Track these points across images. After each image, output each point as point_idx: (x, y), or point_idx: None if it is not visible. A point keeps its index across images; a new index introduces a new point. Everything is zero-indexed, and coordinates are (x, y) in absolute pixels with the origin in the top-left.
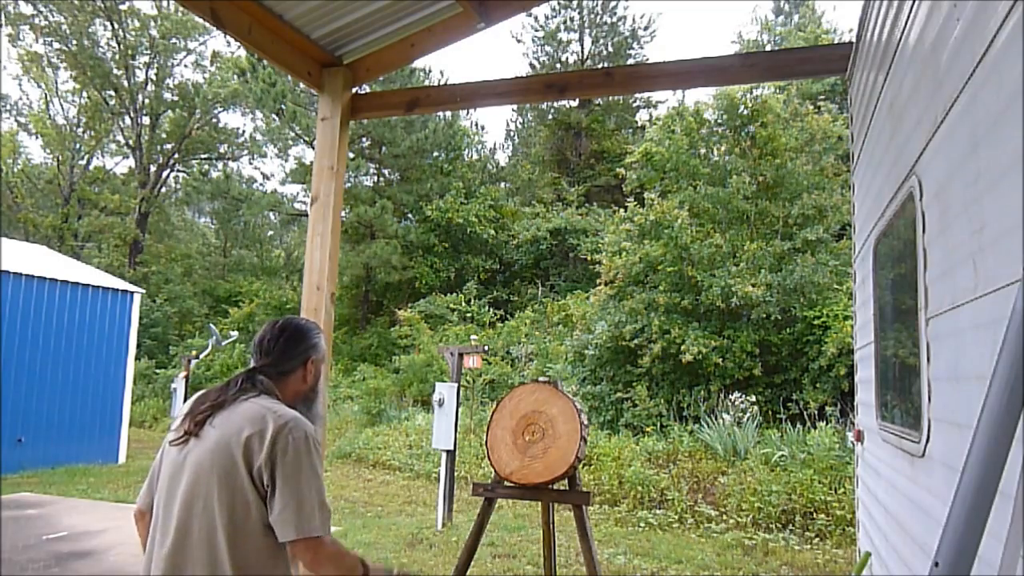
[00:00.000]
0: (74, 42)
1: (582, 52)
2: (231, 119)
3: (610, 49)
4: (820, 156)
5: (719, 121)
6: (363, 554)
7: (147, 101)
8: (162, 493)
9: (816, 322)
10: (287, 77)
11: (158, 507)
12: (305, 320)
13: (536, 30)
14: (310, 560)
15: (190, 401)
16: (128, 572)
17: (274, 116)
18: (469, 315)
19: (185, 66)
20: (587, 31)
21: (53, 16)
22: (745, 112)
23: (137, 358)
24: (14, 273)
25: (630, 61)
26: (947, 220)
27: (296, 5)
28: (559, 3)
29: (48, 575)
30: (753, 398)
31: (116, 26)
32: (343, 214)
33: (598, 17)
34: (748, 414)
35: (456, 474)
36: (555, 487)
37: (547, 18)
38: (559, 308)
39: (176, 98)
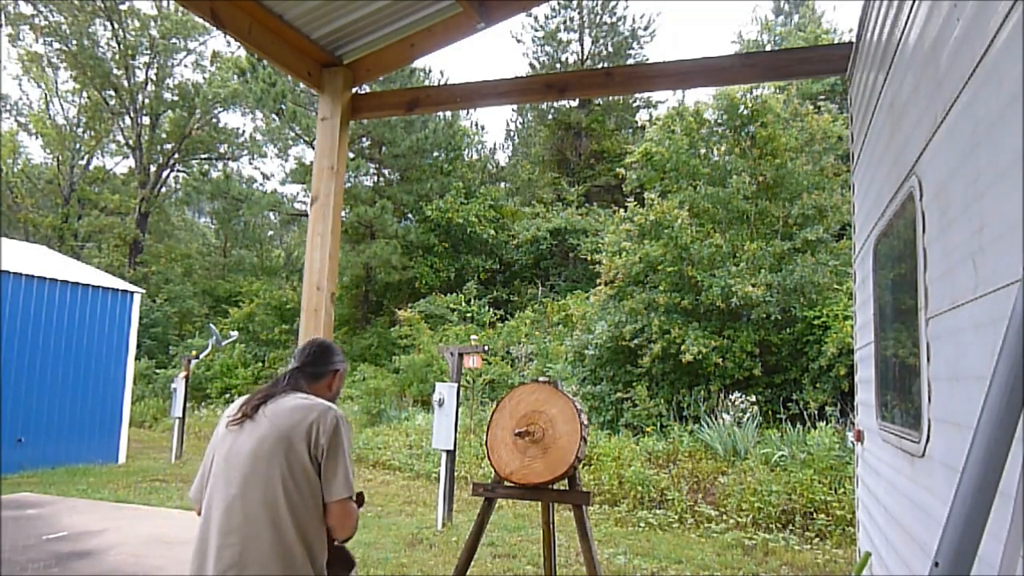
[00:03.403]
0: (74, 42)
1: (582, 52)
2: (231, 119)
3: (610, 49)
4: (820, 156)
5: (719, 121)
6: (363, 554)
7: (147, 101)
8: (220, 468)
9: (816, 322)
10: (287, 77)
11: (216, 480)
12: (334, 346)
13: (536, 30)
14: (340, 514)
15: (244, 397)
16: (128, 572)
17: (274, 116)
18: (469, 315)
19: (185, 66)
20: (587, 31)
21: (53, 16)
22: (745, 112)
23: (137, 358)
24: (14, 273)
25: (630, 61)
26: (947, 220)
27: (296, 5)
28: (559, 3)
29: (48, 575)
30: (753, 398)
31: (116, 26)
32: (343, 214)
33: (598, 17)
34: (748, 414)
35: (456, 474)
36: (555, 487)
37: (547, 18)
38: (559, 308)
39: (176, 98)
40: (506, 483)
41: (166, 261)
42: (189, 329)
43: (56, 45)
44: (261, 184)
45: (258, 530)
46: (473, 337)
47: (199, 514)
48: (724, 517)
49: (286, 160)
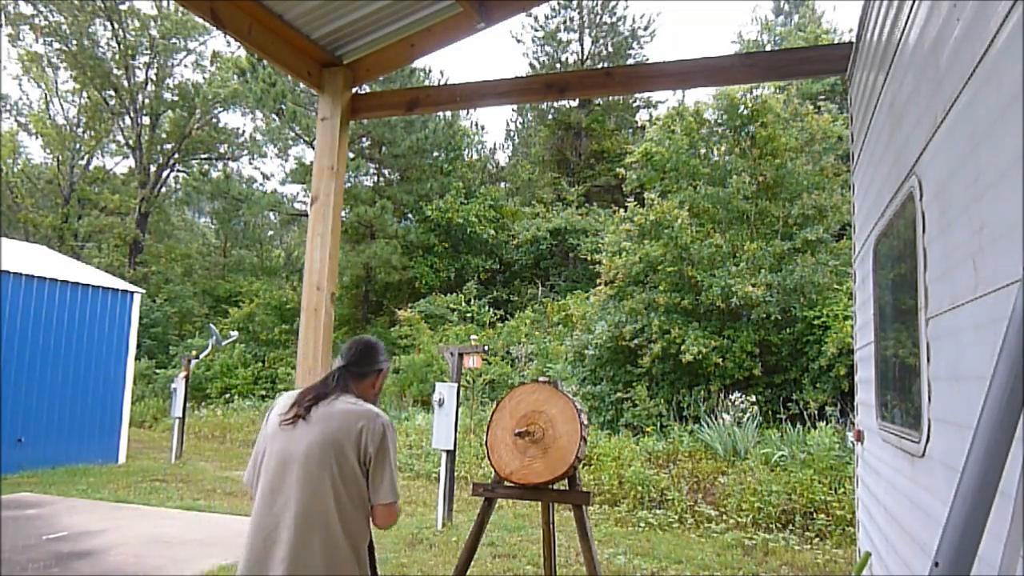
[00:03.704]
0: (74, 42)
1: (582, 52)
2: (231, 119)
3: (610, 49)
4: (820, 156)
5: (719, 121)
6: None
7: (147, 101)
8: (272, 465)
9: (816, 322)
10: (287, 77)
11: (269, 475)
12: (380, 344)
13: (536, 30)
14: (385, 515)
15: (293, 394)
16: (128, 572)
17: (274, 116)
18: (469, 315)
19: (185, 66)
20: (587, 31)
21: (53, 16)
22: (745, 112)
23: (137, 358)
24: (14, 273)
25: (630, 61)
26: (947, 220)
27: (296, 5)
28: (559, 3)
29: (48, 575)
30: (753, 398)
31: (116, 26)
32: (343, 214)
33: (598, 17)
34: (748, 414)
35: (456, 474)
36: (555, 487)
37: (547, 18)
38: (559, 308)
39: (176, 98)
40: (506, 483)
41: (166, 261)
42: (189, 329)
43: (56, 45)
44: (261, 184)
45: (309, 528)
46: (473, 337)
47: (253, 498)
48: (724, 517)
49: (286, 160)
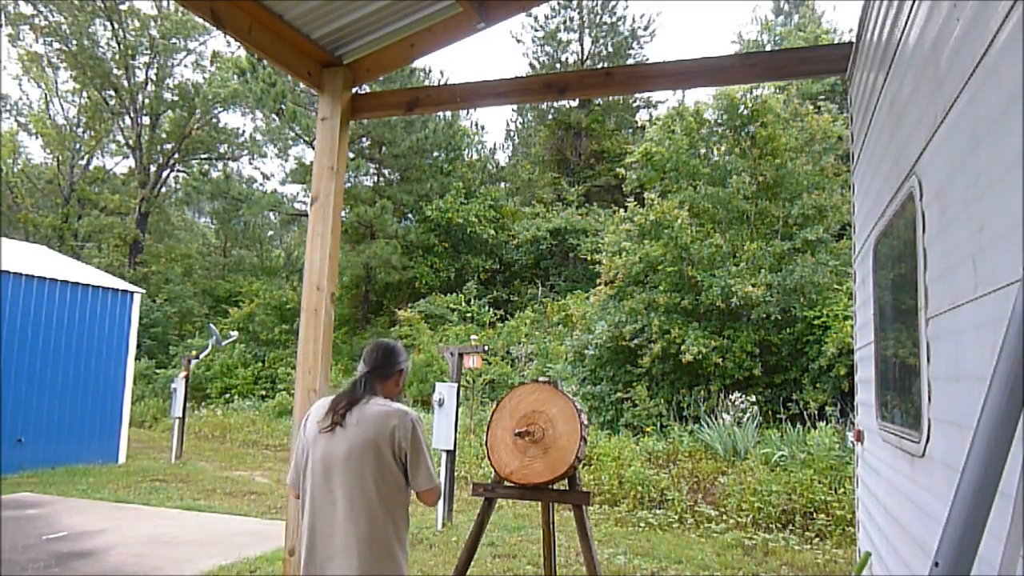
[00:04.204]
0: (74, 42)
1: (582, 52)
2: (231, 119)
3: (610, 49)
4: (820, 156)
5: (719, 121)
6: None
7: (147, 101)
8: (317, 469)
9: (816, 322)
10: (287, 77)
11: (314, 479)
12: (399, 345)
13: (536, 30)
14: (428, 498)
15: (326, 401)
16: (128, 572)
17: (274, 116)
18: (469, 315)
19: (185, 66)
20: (587, 31)
21: (53, 16)
22: (745, 112)
23: (137, 358)
24: (14, 273)
25: (630, 61)
26: (947, 220)
27: (296, 5)
28: (559, 3)
29: (48, 575)
30: (753, 398)
31: (116, 26)
32: (343, 214)
33: (598, 17)
34: (748, 414)
35: (456, 474)
36: (555, 487)
37: (547, 18)
38: (559, 308)
39: (176, 98)
40: (506, 483)
41: (166, 261)
42: (189, 329)
43: (56, 45)
44: (261, 184)
45: (358, 521)
46: (473, 337)
47: (296, 497)
48: (724, 517)
49: (286, 160)
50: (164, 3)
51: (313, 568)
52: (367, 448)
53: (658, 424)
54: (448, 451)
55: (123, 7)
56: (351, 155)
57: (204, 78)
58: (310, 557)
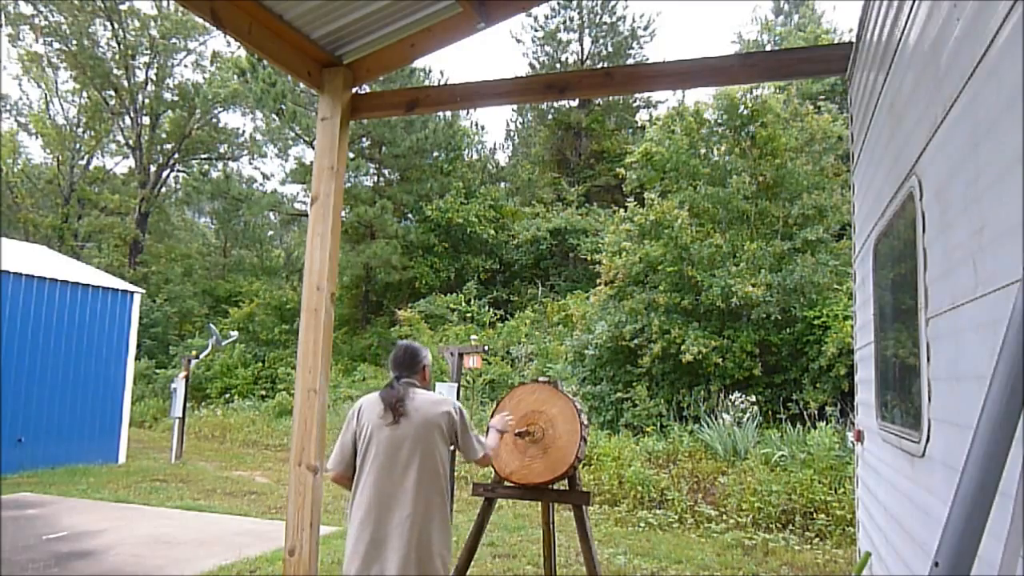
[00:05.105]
0: (74, 42)
1: (582, 52)
2: (231, 119)
3: (610, 49)
4: (820, 156)
5: (719, 121)
6: None
7: (147, 101)
8: (383, 449)
9: (816, 322)
10: (287, 77)
11: (382, 457)
12: (416, 343)
13: (536, 30)
14: (483, 462)
15: (375, 398)
16: (128, 572)
17: (274, 116)
18: (469, 315)
19: (185, 66)
20: (587, 31)
21: (53, 16)
22: (745, 112)
23: (137, 358)
24: (14, 273)
25: (630, 61)
26: (947, 220)
27: (296, 5)
28: (559, 3)
29: (48, 575)
30: (753, 398)
31: (116, 26)
32: (343, 214)
33: (598, 17)
34: (748, 414)
35: (456, 474)
36: (555, 487)
37: (547, 18)
38: (559, 308)
39: (176, 98)
40: (506, 483)
41: (166, 261)
42: (189, 329)
43: (56, 45)
44: (261, 184)
45: (425, 486)
46: (473, 337)
47: (335, 480)
48: (724, 517)
49: (286, 160)
50: (164, 3)
51: (379, 531)
52: (430, 431)
53: (658, 424)
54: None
55: (123, 7)
56: (351, 155)
57: (204, 78)
58: (375, 517)
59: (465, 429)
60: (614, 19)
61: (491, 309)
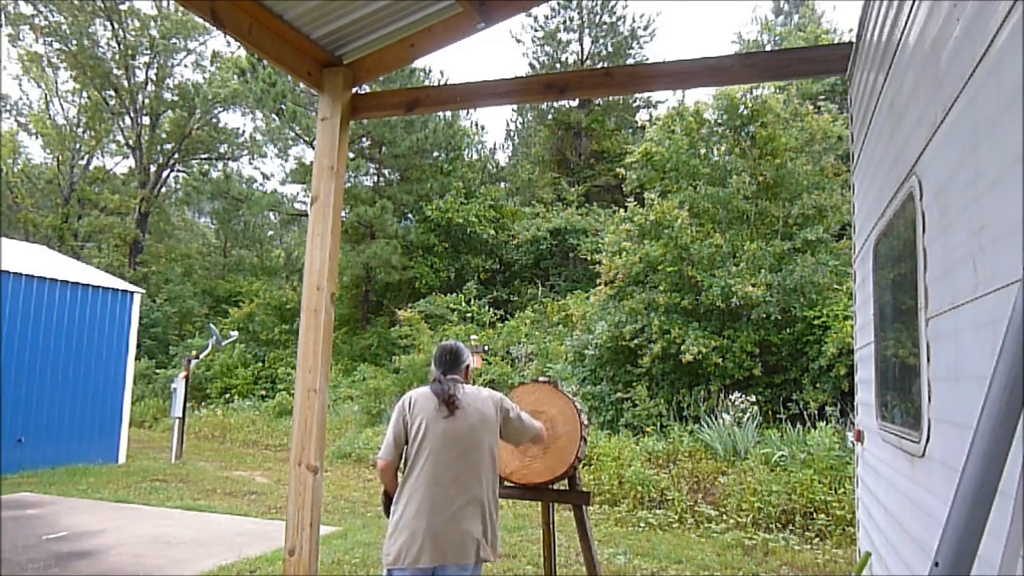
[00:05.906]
0: (74, 42)
1: (582, 52)
2: (231, 119)
3: (610, 49)
4: (820, 156)
5: (719, 121)
6: (363, 554)
7: (147, 101)
8: (441, 439)
9: (816, 322)
10: (287, 77)
11: (439, 445)
12: (459, 343)
13: (536, 30)
14: (539, 440)
15: (425, 392)
16: (128, 572)
17: (274, 116)
18: (469, 315)
19: (185, 66)
20: (587, 31)
21: (53, 16)
22: (745, 112)
23: (137, 358)
24: (14, 273)
25: (630, 61)
26: (947, 220)
27: (296, 5)
28: (559, 3)
29: (48, 575)
30: (753, 398)
31: (116, 26)
32: (343, 214)
33: (598, 17)
34: (748, 414)
35: None
36: (555, 487)
37: (547, 18)
38: (559, 308)
39: (176, 98)
40: (506, 483)
41: (166, 261)
42: (189, 329)
43: (56, 45)
44: (261, 184)
45: (483, 468)
46: (473, 337)
47: (383, 469)
48: (724, 517)
49: (286, 160)
50: (164, 3)
51: (435, 520)
52: (484, 421)
53: (658, 424)
54: None
55: (123, 7)
56: (351, 155)
57: (204, 78)
58: (433, 512)
59: (517, 415)
60: (614, 19)
61: (491, 309)
